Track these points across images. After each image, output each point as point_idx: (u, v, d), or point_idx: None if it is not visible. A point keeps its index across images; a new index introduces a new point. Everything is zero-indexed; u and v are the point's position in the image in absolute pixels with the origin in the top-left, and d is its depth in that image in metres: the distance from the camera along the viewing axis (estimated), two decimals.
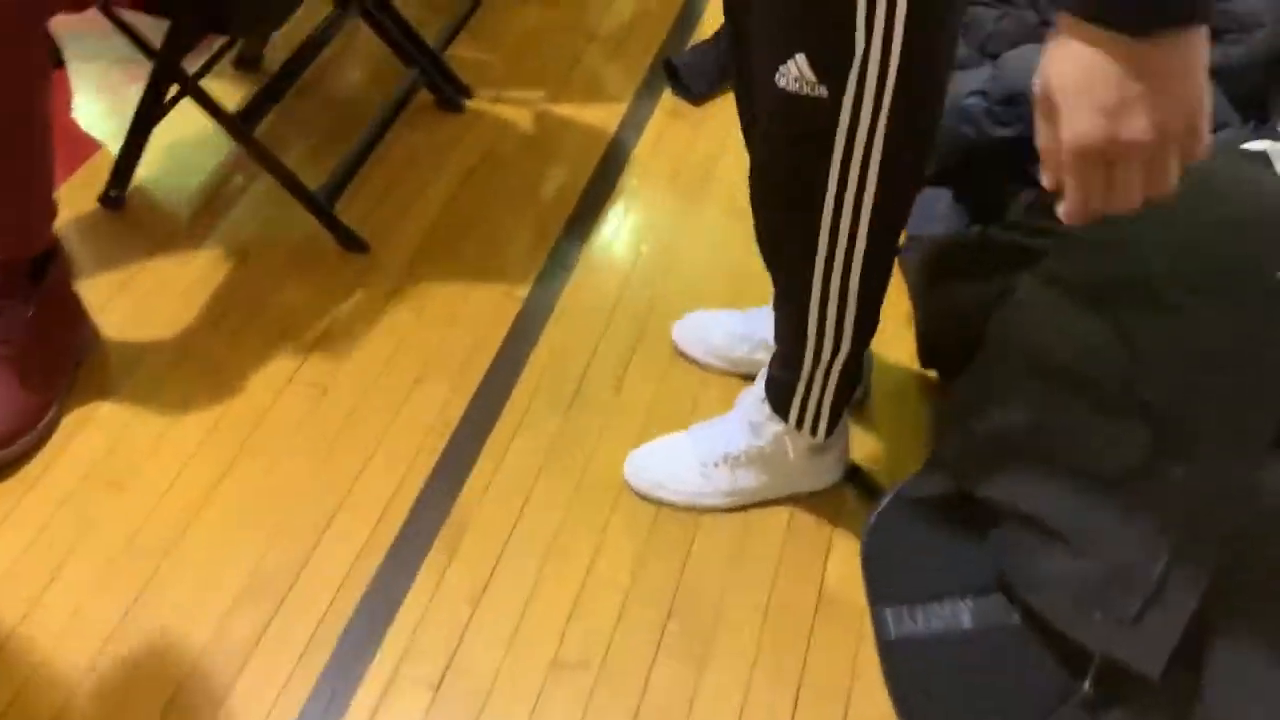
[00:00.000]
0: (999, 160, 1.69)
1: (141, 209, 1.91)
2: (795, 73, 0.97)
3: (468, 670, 1.31)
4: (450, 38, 2.21)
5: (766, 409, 1.35)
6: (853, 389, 1.31)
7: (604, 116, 2.11)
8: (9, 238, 1.41)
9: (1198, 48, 0.59)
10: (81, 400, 1.59)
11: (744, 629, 1.35)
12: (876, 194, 1.04)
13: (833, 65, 0.95)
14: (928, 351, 1.55)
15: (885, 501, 1.26)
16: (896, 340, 1.66)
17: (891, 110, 0.97)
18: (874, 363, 1.59)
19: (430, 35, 2.20)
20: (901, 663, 1.17)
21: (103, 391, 1.61)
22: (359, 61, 2.24)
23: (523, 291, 1.78)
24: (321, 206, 1.80)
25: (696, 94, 2.15)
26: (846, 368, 1.24)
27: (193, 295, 1.76)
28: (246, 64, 2.16)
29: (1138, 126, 0.59)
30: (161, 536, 1.44)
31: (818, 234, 1.10)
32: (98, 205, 1.89)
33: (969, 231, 1.60)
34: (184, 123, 1.91)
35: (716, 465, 1.41)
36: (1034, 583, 1.12)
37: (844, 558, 1.40)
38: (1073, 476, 1.10)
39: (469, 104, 2.14)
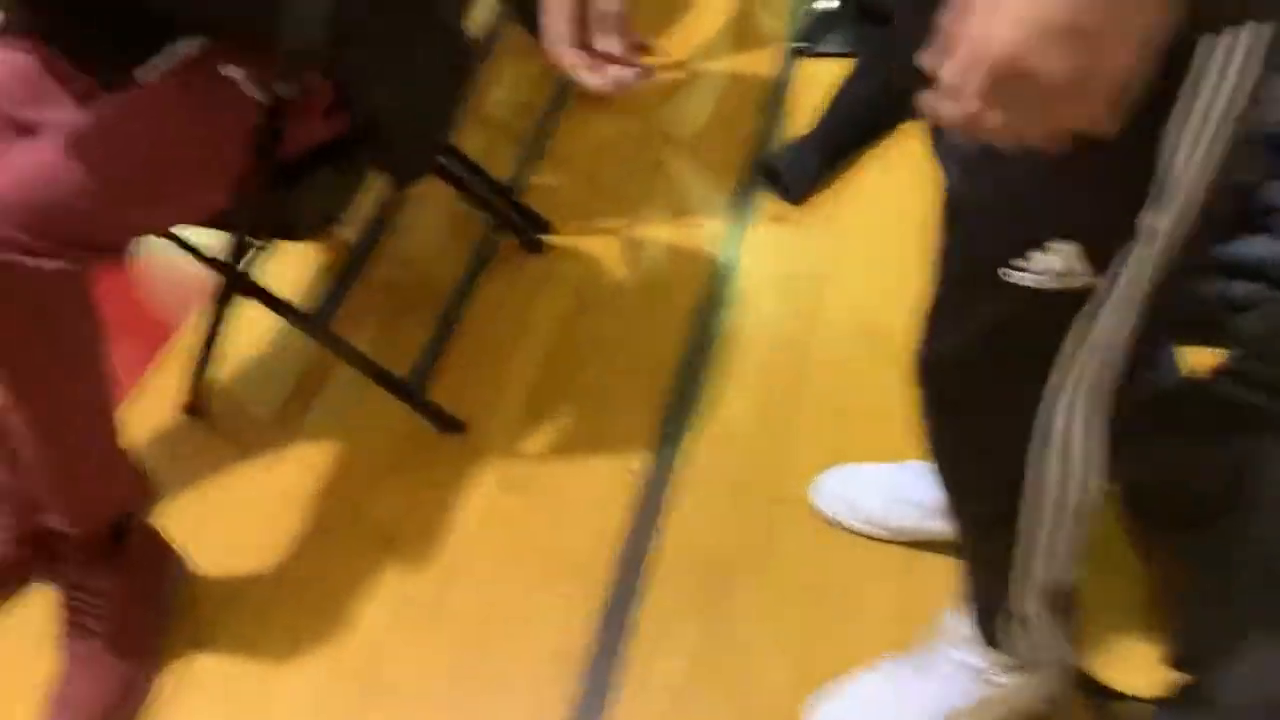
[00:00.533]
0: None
1: (225, 414, 1.78)
2: (1049, 266, 0.75)
3: None
4: (524, 170, 2.05)
5: (982, 646, 1.12)
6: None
7: (700, 235, 1.93)
8: (83, 510, 1.28)
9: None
10: (177, 652, 1.45)
11: None
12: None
13: (1110, 249, 0.73)
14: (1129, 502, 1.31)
15: None
16: None
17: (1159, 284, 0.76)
18: None
19: (498, 166, 2.05)
20: None
21: (199, 641, 1.47)
22: (428, 211, 2.09)
23: (638, 463, 1.59)
24: (412, 393, 1.65)
25: (798, 195, 1.95)
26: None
27: (286, 510, 1.61)
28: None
29: (1053, 61, 0.51)
30: None
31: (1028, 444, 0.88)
32: (179, 413, 1.77)
33: (1179, 380, 1.35)
34: (262, 316, 1.78)
35: None
36: None
37: None
38: None
39: (551, 240, 1.97)
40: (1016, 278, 0.76)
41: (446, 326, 1.76)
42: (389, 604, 1.48)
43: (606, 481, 1.58)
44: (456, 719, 1.34)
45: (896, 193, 1.92)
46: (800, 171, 1.95)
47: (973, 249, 0.82)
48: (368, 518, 1.58)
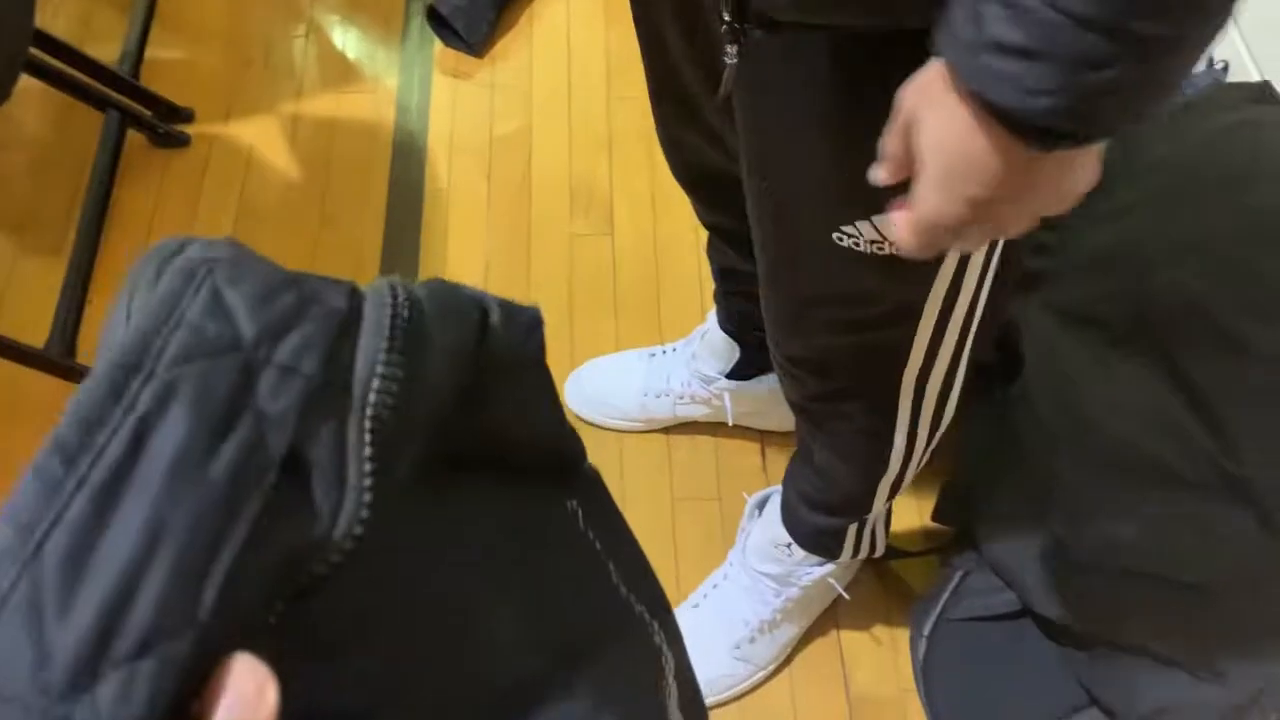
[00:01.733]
0: None
1: None
2: (874, 235, 0.66)
3: None
4: (140, 48, 1.66)
5: (798, 555, 1.07)
6: None
7: (373, 105, 1.66)
8: None
9: (1092, 161, 0.50)
10: None
11: None
12: (984, 318, 0.77)
13: None
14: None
15: (928, 624, 1.03)
16: None
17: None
18: None
19: (99, 42, 1.65)
20: None
21: None
22: (25, 122, 1.66)
23: None
24: (57, 365, 1.33)
25: (476, 42, 1.71)
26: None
27: None
28: None
29: (1003, 214, 0.51)
30: None
31: (899, 387, 0.82)
32: None
33: None
34: None
35: (752, 641, 1.13)
36: (1142, 711, 0.93)
37: (864, 652, 1.19)
38: (1170, 590, 0.89)
39: (193, 130, 1.63)
40: (847, 245, 0.68)
41: (83, 267, 1.43)
42: None
43: None
44: None
45: (582, 22, 1.73)
46: (474, 15, 1.70)
47: (783, 200, 0.72)
48: None
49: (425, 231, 1.52)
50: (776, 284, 0.81)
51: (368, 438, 0.26)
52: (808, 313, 0.81)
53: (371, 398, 0.27)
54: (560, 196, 1.56)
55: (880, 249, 0.67)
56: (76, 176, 1.56)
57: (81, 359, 1.36)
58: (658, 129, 0.95)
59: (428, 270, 1.48)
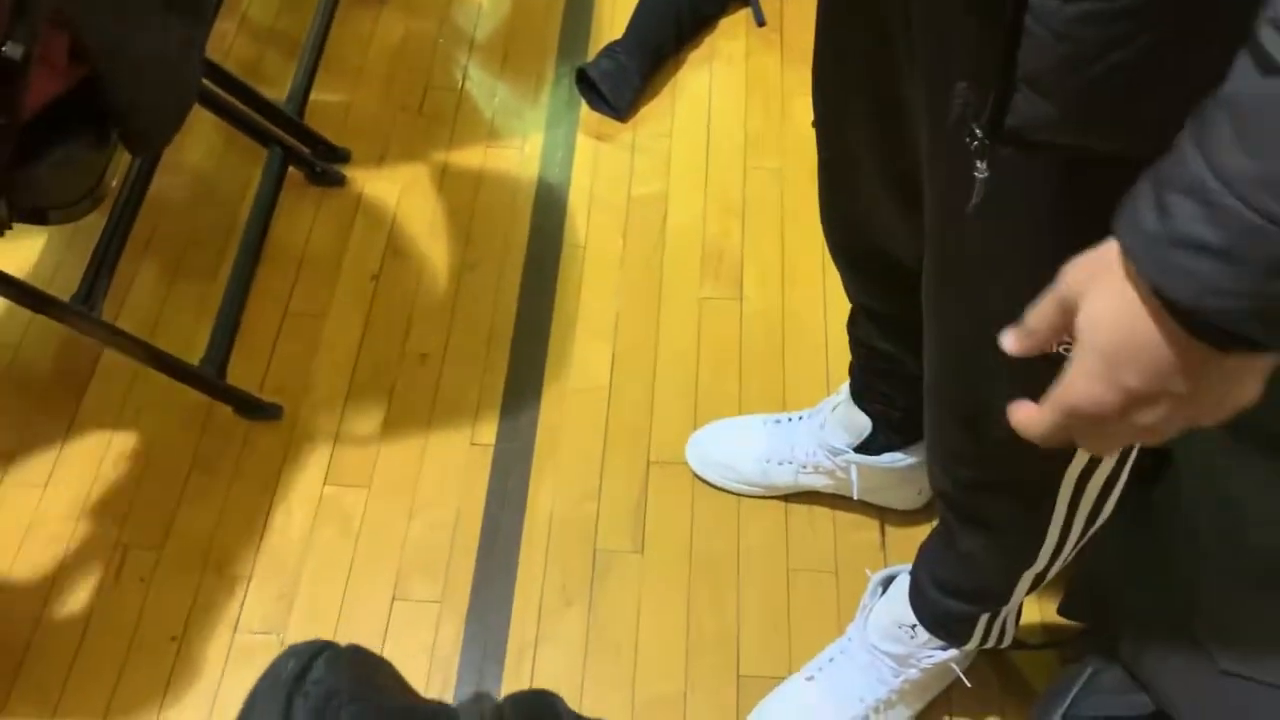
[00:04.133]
0: None
1: None
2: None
3: None
4: (305, 90, 1.76)
5: (922, 635, 1.07)
6: None
7: (519, 159, 1.72)
8: None
9: (1263, 367, 0.47)
10: None
11: None
12: None
13: None
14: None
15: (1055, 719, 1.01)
16: None
17: None
18: None
19: (268, 81, 1.75)
20: None
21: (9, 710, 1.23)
22: (193, 150, 1.76)
23: (488, 435, 1.43)
24: (208, 379, 1.40)
25: (621, 106, 1.77)
26: None
27: (76, 534, 1.36)
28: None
29: (1158, 415, 0.48)
30: None
31: (1059, 485, 0.82)
32: None
33: None
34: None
35: (867, 718, 1.13)
36: None
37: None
38: None
39: (349, 170, 1.71)
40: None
41: (238, 291, 1.50)
42: (222, 636, 1.28)
43: (455, 460, 1.41)
44: None
45: (724, 93, 1.78)
46: (621, 80, 1.77)
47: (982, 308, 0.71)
48: (177, 537, 1.36)
49: (560, 283, 1.57)
50: (951, 377, 0.82)
51: None
52: (980, 405, 0.79)
53: None
54: (692, 259, 1.59)
55: (1068, 351, 0.67)
56: (236, 206, 1.65)
57: (231, 379, 1.42)
58: (823, 201, 0.98)
59: (561, 321, 1.53)
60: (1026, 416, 0.53)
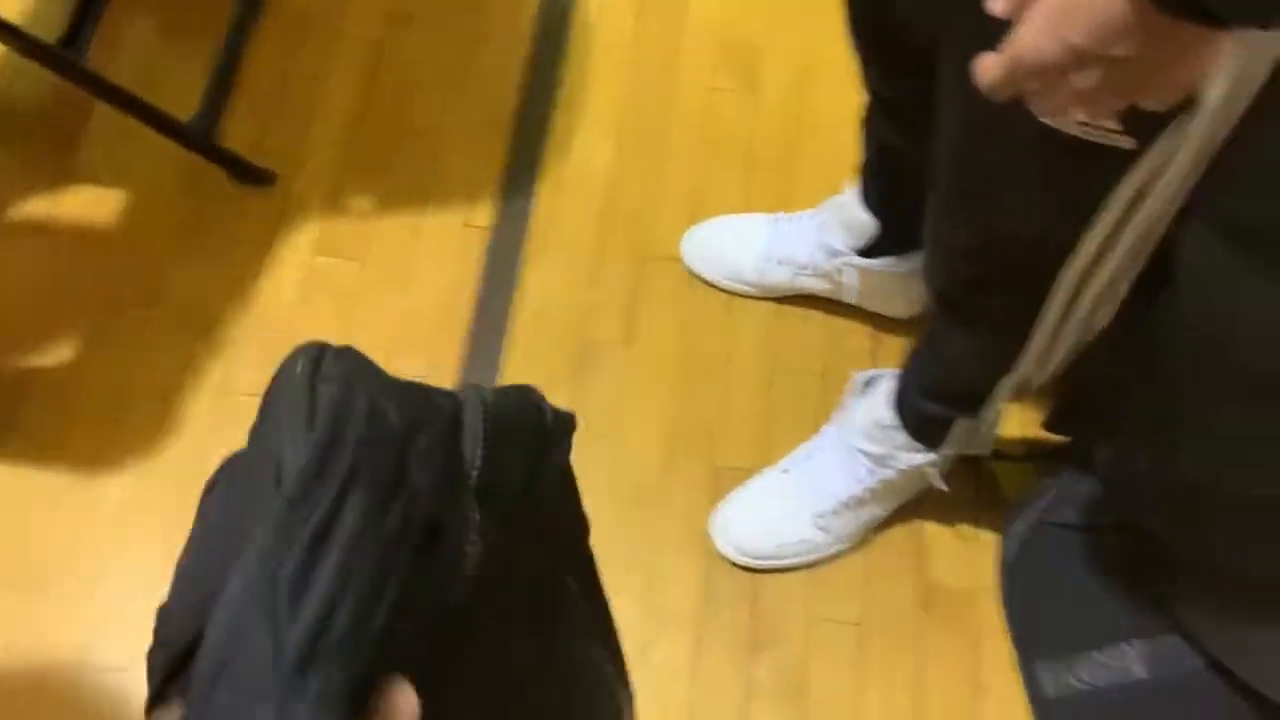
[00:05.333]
0: None
1: None
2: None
3: None
4: None
5: (900, 438, 1.06)
6: None
7: None
8: None
9: (1213, 46, 0.48)
10: None
11: (839, 650, 1.16)
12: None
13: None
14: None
15: (1022, 525, 1.02)
16: None
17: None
18: None
19: None
20: None
21: None
22: None
23: (485, 217, 1.40)
24: (199, 138, 1.36)
25: None
26: None
27: (61, 296, 1.35)
28: None
29: (1095, 78, 0.49)
30: (119, 647, 1.16)
31: (1057, 285, 0.79)
32: None
33: None
34: None
35: (835, 513, 1.14)
36: (1237, 649, 0.91)
37: (944, 544, 1.19)
38: None
39: None
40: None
41: (234, 48, 1.44)
42: (209, 395, 1.30)
43: (448, 240, 1.39)
44: None
45: None
46: None
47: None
48: (166, 297, 1.35)
49: (568, 62, 1.50)
50: (962, 160, 0.78)
51: (475, 508, 0.36)
52: (988, 193, 0.78)
53: (474, 477, 0.36)
54: (709, 48, 1.52)
55: (1087, 133, 0.64)
56: None
57: (226, 143, 1.38)
58: None
59: (566, 105, 1.47)
60: (982, 64, 0.53)
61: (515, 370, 1.30)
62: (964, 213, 0.83)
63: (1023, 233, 0.79)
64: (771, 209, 1.37)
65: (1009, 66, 0.51)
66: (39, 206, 1.40)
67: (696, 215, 1.39)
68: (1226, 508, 0.86)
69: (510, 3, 1.55)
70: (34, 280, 1.36)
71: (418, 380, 0.39)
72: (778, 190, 1.42)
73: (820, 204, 1.29)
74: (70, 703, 1.14)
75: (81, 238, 1.38)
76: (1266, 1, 0.45)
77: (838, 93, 1.47)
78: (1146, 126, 0.64)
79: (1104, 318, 0.85)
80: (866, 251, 1.22)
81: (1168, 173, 0.67)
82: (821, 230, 1.25)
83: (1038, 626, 1.01)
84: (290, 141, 1.44)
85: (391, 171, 1.43)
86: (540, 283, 1.36)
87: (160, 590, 0.36)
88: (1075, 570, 1.00)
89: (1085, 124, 0.65)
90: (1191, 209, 0.92)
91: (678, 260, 1.36)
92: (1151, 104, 0.53)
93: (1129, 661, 0.97)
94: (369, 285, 1.36)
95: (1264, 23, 0.46)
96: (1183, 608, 0.94)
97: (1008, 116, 0.68)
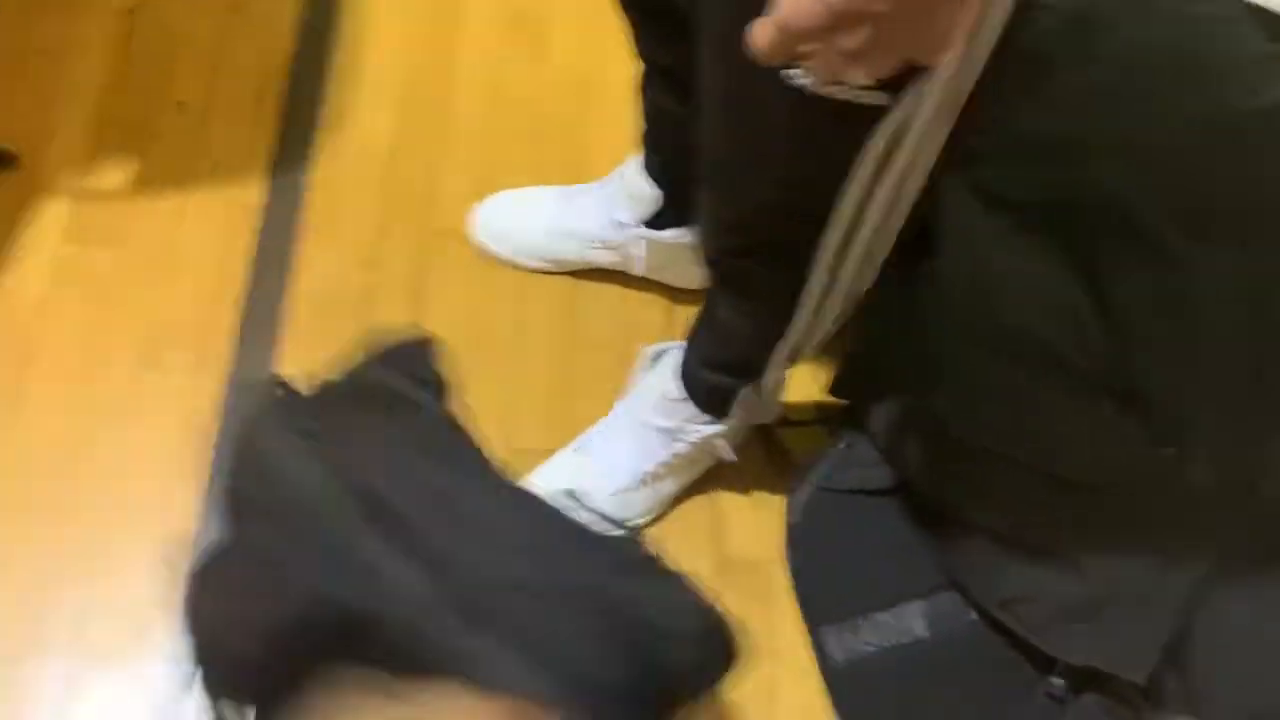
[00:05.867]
0: None
1: None
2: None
3: None
4: None
5: (688, 410, 1.04)
6: None
7: None
8: None
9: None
10: None
11: None
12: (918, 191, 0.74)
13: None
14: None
15: (804, 492, 1.03)
16: None
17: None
18: None
19: None
20: (853, 688, 1.00)
21: None
22: None
23: (255, 197, 1.31)
24: None
25: None
26: None
27: None
28: None
29: (862, 38, 0.49)
30: None
31: (818, 249, 0.79)
32: None
33: None
34: None
35: (630, 489, 1.11)
36: (999, 596, 0.94)
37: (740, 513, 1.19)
38: (1041, 480, 0.89)
39: None
40: (803, 83, 0.64)
41: None
42: None
43: (216, 222, 1.29)
44: (61, 521, 1.12)
45: None
46: None
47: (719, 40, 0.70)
48: None
49: (342, 28, 1.42)
50: (718, 130, 0.77)
51: None
52: (744, 161, 0.78)
53: None
54: (495, 13, 1.46)
55: (837, 93, 0.64)
56: None
57: None
58: None
59: (342, 74, 1.39)
60: (753, 30, 0.52)
61: (293, 359, 1.22)
62: (725, 183, 0.82)
63: (782, 201, 0.79)
64: (563, 182, 1.33)
65: (777, 32, 0.50)
66: None
67: (484, 189, 1.33)
68: (977, 461, 0.88)
69: None
70: None
71: None
72: (568, 162, 1.38)
73: (609, 174, 1.26)
74: None
75: None
76: None
77: (629, 61, 1.45)
78: (894, 83, 0.63)
79: (867, 280, 0.85)
80: (653, 222, 1.20)
81: (913, 128, 0.67)
82: (609, 203, 1.22)
83: (822, 591, 1.02)
84: (33, 119, 1.32)
85: (150, 149, 1.32)
86: (318, 264, 1.28)
87: None
88: (855, 533, 1.02)
89: (838, 83, 0.64)
90: (949, 170, 0.94)
91: (465, 237, 1.31)
92: (923, 59, 0.53)
93: (910, 620, 0.99)
94: (128, 274, 1.26)
95: None
96: (954, 563, 0.97)
97: (759, 82, 0.67)
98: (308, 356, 1.21)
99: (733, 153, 0.79)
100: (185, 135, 1.34)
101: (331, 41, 1.41)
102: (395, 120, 1.37)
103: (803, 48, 0.51)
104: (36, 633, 1.07)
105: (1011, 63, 0.68)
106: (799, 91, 0.65)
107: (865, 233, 0.79)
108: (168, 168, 1.31)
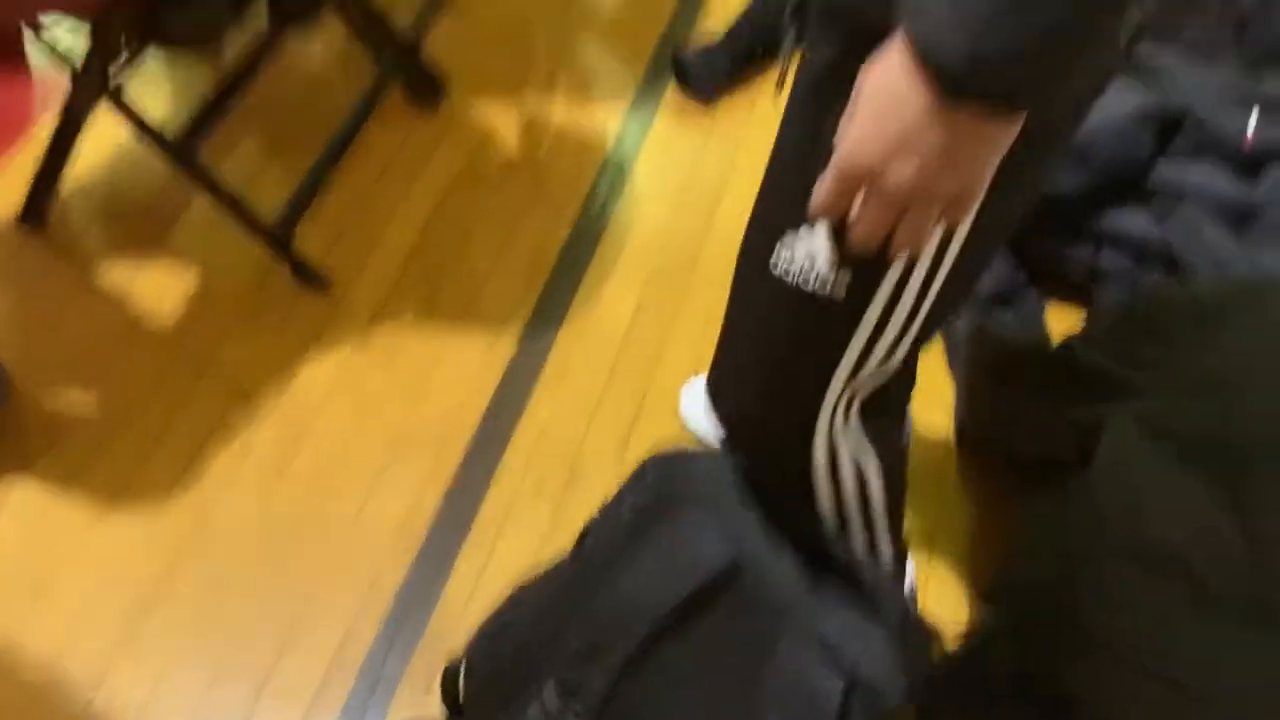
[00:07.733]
0: (1057, 213, 1.48)
1: (66, 233, 1.65)
2: (798, 257, 0.72)
3: None
4: (425, 20, 1.92)
5: None
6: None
7: (601, 118, 1.86)
8: None
9: (1000, 136, 0.56)
10: None
11: None
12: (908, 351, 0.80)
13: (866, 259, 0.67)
14: (970, 442, 1.36)
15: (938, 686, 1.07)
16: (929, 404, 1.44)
17: (943, 287, 0.74)
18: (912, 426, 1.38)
19: (401, 18, 1.92)
20: None
21: (18, 465, 1.39)
22: (318, 46, 1.95)
23: (508, 348, 1.55)
24: (277, 239, 1.56)
25: (706, 94, 1.89)
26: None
27: (127, 346, 1.52)
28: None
29: (905, 173, 0.56)
30: (88, 665, 1.23)
31: (817, 414, 0.84)
32: (16, 222, 1.64)
33: (1042, 341, 1.39)
34: (121, 134, 1.64)
35: None
36: None
37: None
38: (1174, 693, 0.91)
39: (446, 101, 1.87)
40: (778, 270, 0.73)
41: (323, 173, 1.66)
42: (229, 456, 1.42)
43: (473, 361, 1.53)
44: (283, 574, 1.31)
45: None
46: (711, 71, 1.89)
47: (750, 233, 0.81)
48: (216, 366, 1.50)
49: (609, 233, 1.69)
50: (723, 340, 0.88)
51: None
52: (745, 357, 0.85)
53: None
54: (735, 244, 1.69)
55: (804, 284, 0.72)
56: (340, 110, 1.81)
57: (299, 243, 1.57)
58: None
59: (599, 265, 1.64)
60: (818, 188, 0.60)
61: (508, 477, 1.41)
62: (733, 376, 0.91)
63: (764, 415, 0.87)
64: None
65: (840, 172, 0.58)
66: (123, 273, 1.59)
67: (702, 368, 1.52)
68: (1101, 658, 0.92)
69: (568, 177, 1.76)
70: (105, 333, 1.52)
71: None
72: None
73: None
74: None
75: (154, 305, 1.55)
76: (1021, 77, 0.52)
77: None
78: (860, 277, 0.71)
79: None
80: None
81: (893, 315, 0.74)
82: None
83: None
84: (353, 258, 1.63)
85: (434, 300, 1.60)
86: (545, 410, 1.48)
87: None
88: None
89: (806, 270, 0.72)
90: (1122, 403, 1.04)
91: (675, 411, 1.49)
92: (955, 216, 0.59)
93: None
94: (390, 389, 1.50)
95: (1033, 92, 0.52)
96: None
97: (755, 273, 0.75)
98: (520, 477, 1.40)
99: (738, 345, 0.88)
100: (463, 294, 1.61)
101: (602, 225, 1.68)
102: (634, 309, 1.60)
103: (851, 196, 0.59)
104: (244, 662, 1.24)
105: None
106: (782, 282, 0.73)
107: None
108: (443, 316, 1.58)
